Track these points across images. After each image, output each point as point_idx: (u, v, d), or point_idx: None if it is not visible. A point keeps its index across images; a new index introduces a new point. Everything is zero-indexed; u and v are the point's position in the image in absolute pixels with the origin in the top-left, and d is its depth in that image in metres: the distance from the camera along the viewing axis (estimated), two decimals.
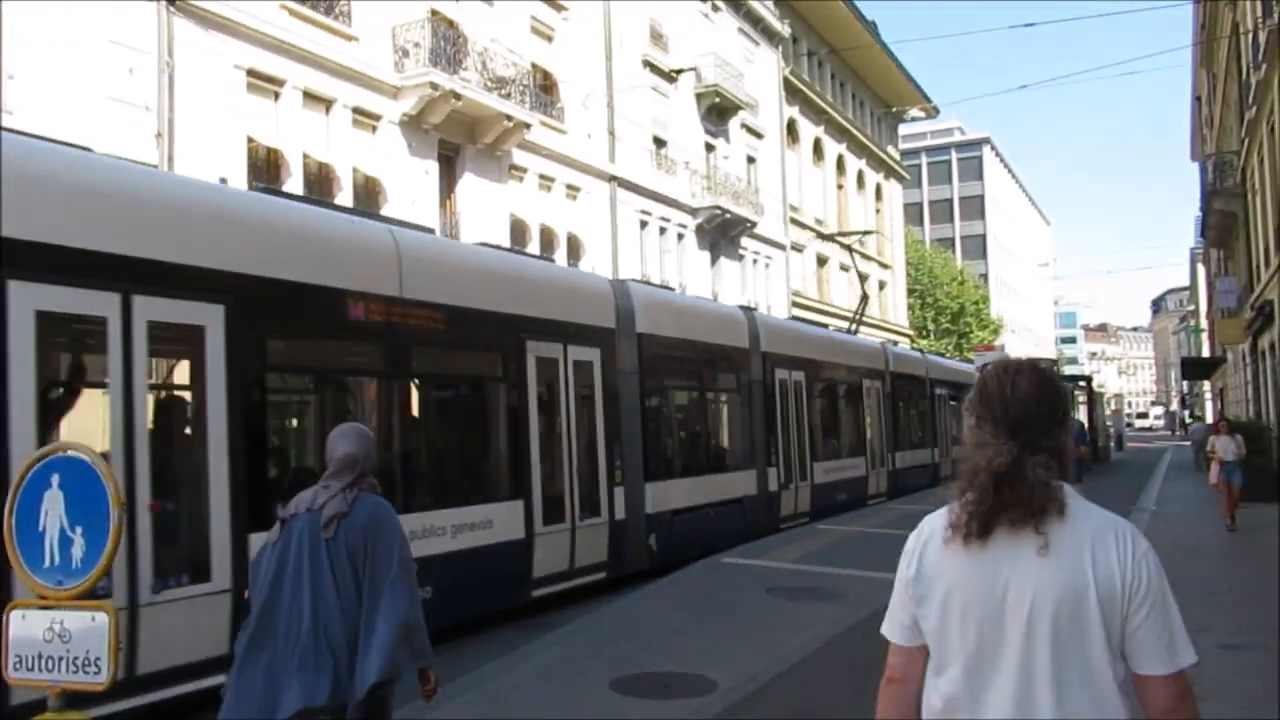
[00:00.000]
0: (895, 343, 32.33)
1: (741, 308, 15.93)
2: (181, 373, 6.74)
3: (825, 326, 24.32)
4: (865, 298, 26.30)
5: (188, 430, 6.72)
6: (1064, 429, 2.05)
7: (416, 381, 8.67)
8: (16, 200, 5.45)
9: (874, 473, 19.70)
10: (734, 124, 30.72)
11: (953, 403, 25.82)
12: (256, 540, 6.00)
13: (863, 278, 27.95)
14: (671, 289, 16.80)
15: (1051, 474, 1.95)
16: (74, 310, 5.83)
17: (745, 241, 30.77)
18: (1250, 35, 23.74)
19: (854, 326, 23.99)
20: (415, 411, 8.64)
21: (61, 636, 3.55)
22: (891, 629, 2.09)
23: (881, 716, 2.08)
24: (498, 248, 11.49)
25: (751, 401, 14.60)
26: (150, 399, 6.23)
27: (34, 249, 5.53)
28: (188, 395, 6.71)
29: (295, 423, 8.13)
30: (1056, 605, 1.87)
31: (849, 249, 31.12)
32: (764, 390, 14.86)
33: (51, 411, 5.85)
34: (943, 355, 33.67)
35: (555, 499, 9.77)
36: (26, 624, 3.63)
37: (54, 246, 5.65)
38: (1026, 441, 1.96)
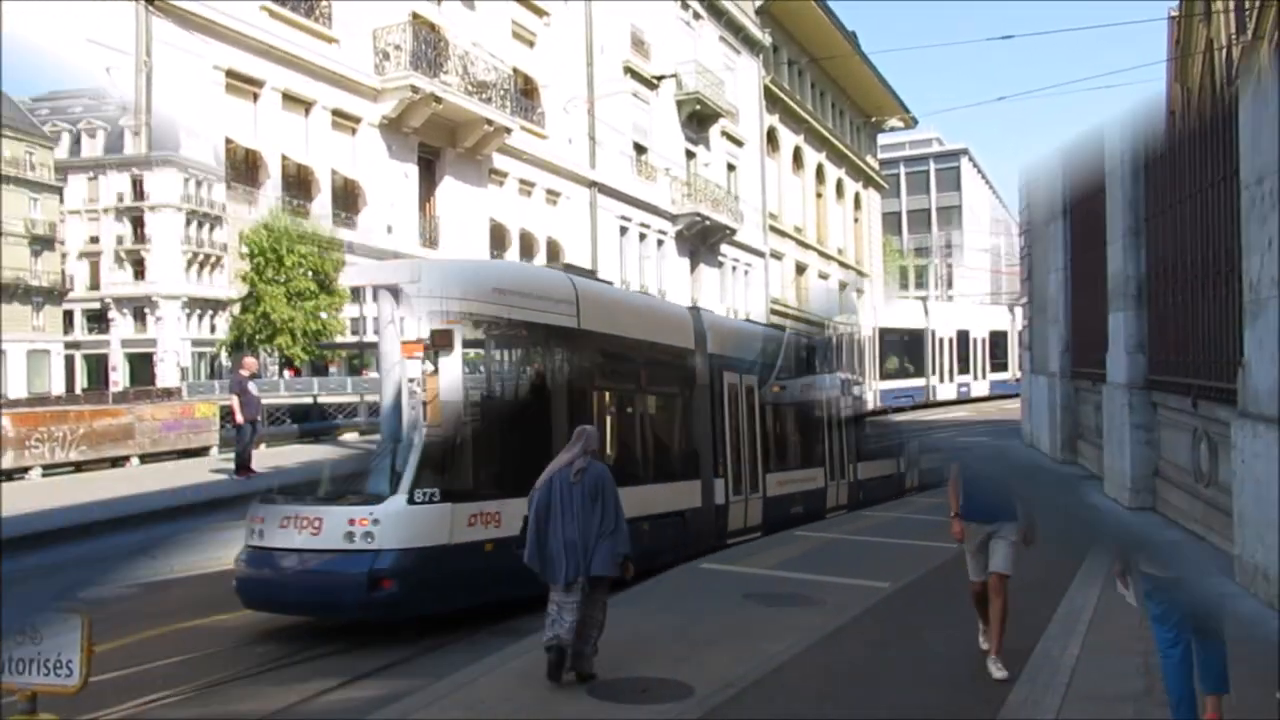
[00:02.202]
0: None
1: None
2: (745, 402, 14.03)
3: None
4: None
5: (752, 424, 14.11)
6: None
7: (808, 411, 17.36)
8: (727, 344, 13.59)
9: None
10: (714, 131, 30.84)
11: None
12: (771, 479, 14.50)
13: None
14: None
15: None
16: (731, 382, 13.35)
17: (725, 248, 30.88)
18: (1224, 51, 24.06)
19: None
20: (806, 424, 17.06)
21: (33, 639, 3.52)
22: None
23: None
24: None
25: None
26: (754, 412, 14.22)
27: (725, 359, 13.23)
28: (755, 410, 14.41)
29: (781, 425, 15.74)
30: None
31: (923, 300, 38.57)
32: None
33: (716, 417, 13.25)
34: None
35: (833, 468, 17.79)
36: None
37: (728, 357, 13.39)
38: None
